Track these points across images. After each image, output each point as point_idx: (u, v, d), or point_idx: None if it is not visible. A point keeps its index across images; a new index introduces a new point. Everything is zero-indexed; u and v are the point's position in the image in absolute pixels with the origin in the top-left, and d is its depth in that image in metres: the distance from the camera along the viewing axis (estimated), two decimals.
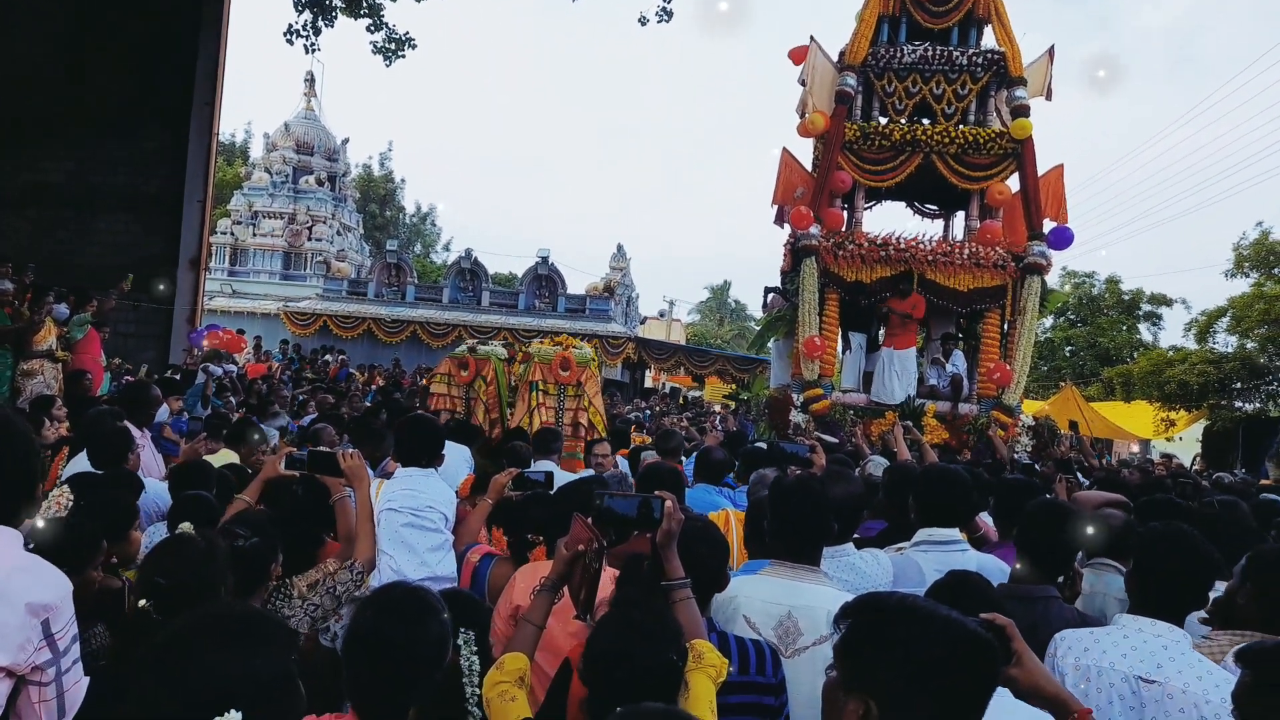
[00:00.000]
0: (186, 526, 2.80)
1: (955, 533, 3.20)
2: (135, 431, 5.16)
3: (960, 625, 1.37)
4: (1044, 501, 3.18)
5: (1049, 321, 31.48)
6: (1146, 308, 31.57)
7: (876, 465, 5.61)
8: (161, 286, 12.26)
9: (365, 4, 13.28)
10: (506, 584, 2.82)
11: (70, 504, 2.67)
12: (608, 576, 2.40)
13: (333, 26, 13.42)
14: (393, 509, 3.50)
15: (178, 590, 2.10)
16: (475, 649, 2.33)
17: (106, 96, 13.98)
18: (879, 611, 1.41)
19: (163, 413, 7.30)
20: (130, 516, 3.04)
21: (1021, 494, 3.63)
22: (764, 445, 6.05)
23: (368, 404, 11.08)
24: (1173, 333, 45.43)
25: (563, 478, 4.73)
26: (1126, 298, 31.68)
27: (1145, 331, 31.75)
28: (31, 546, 2.44)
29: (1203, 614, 2.68)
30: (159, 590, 2.09)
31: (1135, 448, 25.15)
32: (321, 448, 3.67)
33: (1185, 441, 22.04)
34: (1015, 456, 9.27)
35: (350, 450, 3.35)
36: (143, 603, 2.06)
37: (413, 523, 3.46)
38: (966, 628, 1.37)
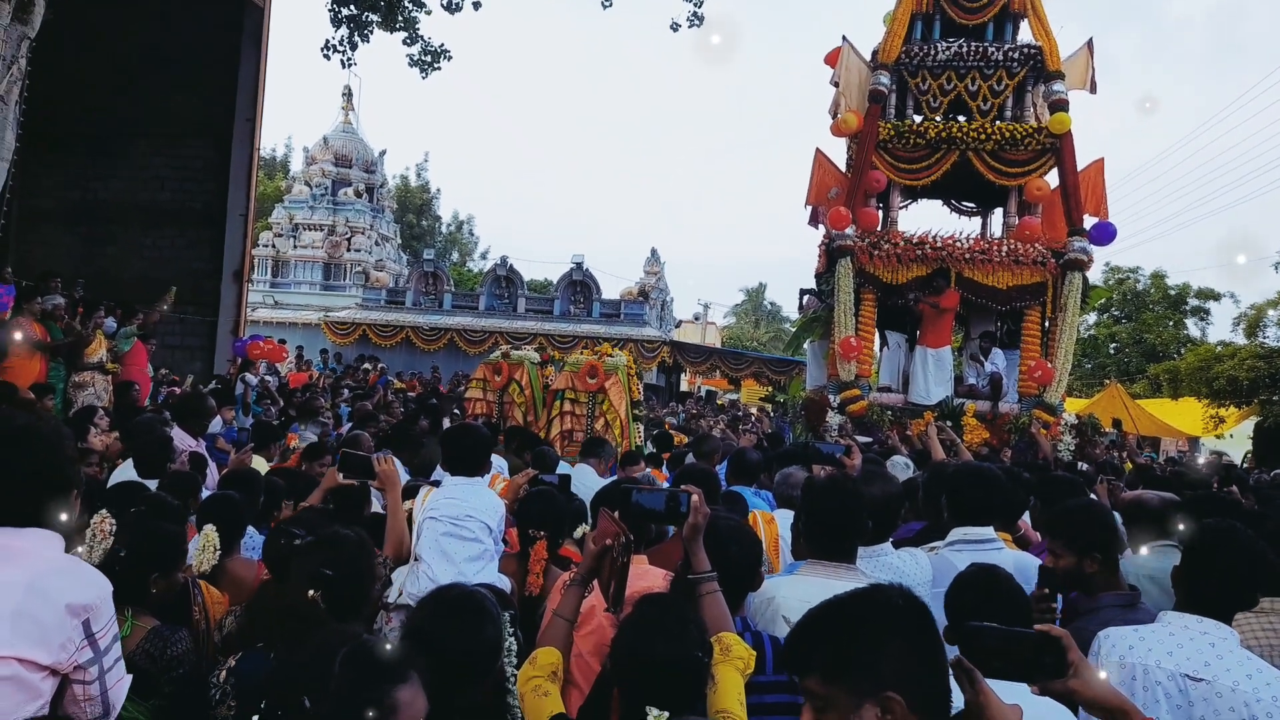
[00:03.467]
0: (209, 529, 2.89)
1: (990, 531, 3.15)
2: (190, 440, 5.28)
3: (893, 587, 1.41)
4: (1081, 501, 3.10)
5: (1092, 318, 30.92)
6: (1193, 302, 30.85)
7: (895, 465, 5.54)
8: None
9: (401, 18, 13.43)
10: (554, 590, 2.84)
11: (113, 529, 2.76)
12: (659, 576, 2.42)
13: (369, 41, 13.60)
14: (434, 517, 3.49)
15: (343, 580, 2.21)
16: (513, 630, 2.38)
17: (152, 114, 14.34)
18: (833, 620, 1.39)
19: (216, 424, 7.46)
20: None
21: (1066, 491, 3.56)
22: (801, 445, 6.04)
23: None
24: (1221, 327, 44.32)
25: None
26: (1172, 292, 31.00)
27: (1192, 327, 31.04)
28: (124, 553, 2.53)
29: None
30: (327, 581, 2.19)
31: (1184, 445, 24.61)
32: (353, 450, 3.71)
33: (1236, 439, 21.53)
34: (1059, 456, 9.12)
35: (385, 455, 3.41)
36: (311, 593, 2.16)
37: (451, 532, 3.45)
38: (900, 588, 1.41)
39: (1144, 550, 3.37)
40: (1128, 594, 2.84)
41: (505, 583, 3.40)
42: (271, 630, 2.27)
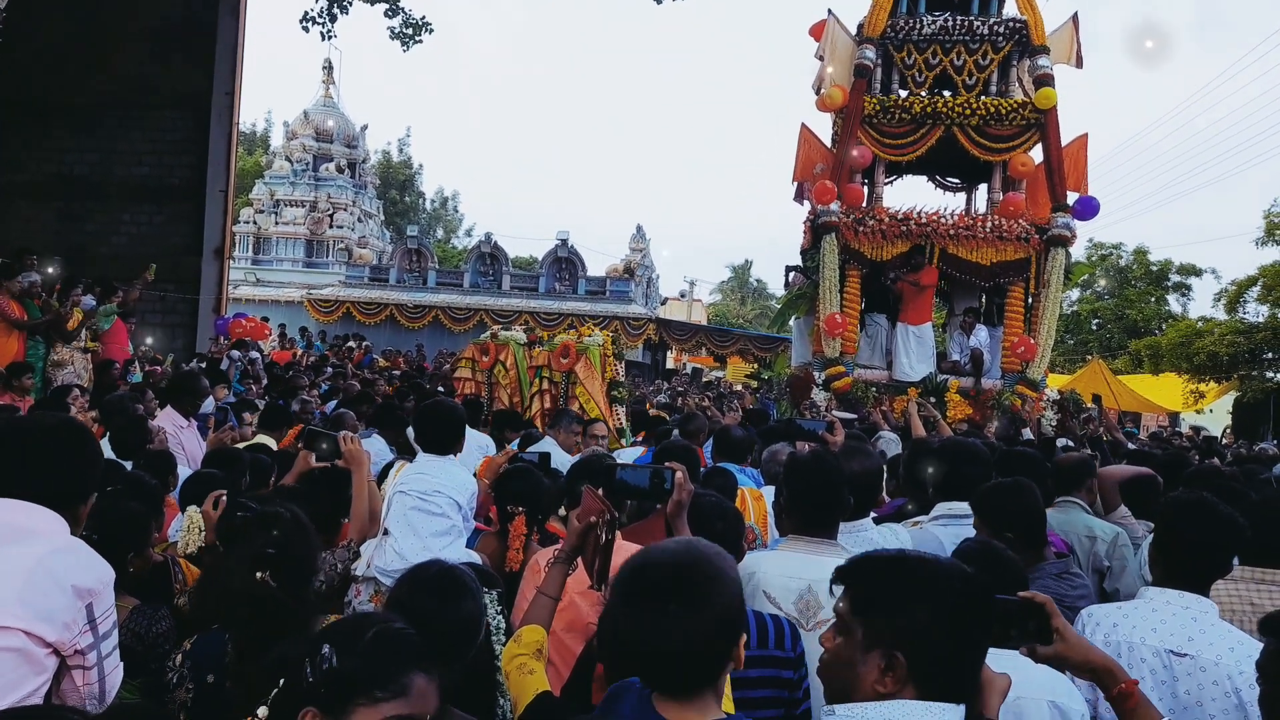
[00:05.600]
0: (193, 510, 2.88)
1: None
2: (181, 420, 5.23)
3: (959, 567, 1.46)
4: (1001, 483, 3.03)
5: (1075, 294, 31.11)
6: (1175, 278, 31.09)
7: (888, 442, 5.58)
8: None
9: None
10: (528, 567, 2.84)
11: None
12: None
13: (347, 13, 13.42)
14: (403, 492, 3.52)
15: (288, 560, 2.20)
16: (500, 608, 2.37)
17: (129, 87, 14.09)
18: (887, 566, 1.45)
19: (209, 404, 7.37)
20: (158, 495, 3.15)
21: (1023, 467, 3.56)
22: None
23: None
24: (1202, 303, 44.72)
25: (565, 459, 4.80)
26: (1155, 269, 31.20)
27: (1174, 303, 31.32)
28: (97, 538, 2.52)
29: None
30: (271, 560, 2.17)
31: (1164, 420, 24.86)
32: (320, 429, 3.68)
33: (1216, 413, 21.77)
34: (1043, 432, 9.18)
35: (349, 434, 3.40)
36: (259, 575, 2.15)
37: (419, 507, 3.48)
38: (965, 570, 1.46)
39: (1053, 511, 3.51)
40: (1060, 563, 2.98)
41: (477, 560, 3.41)
42: (224, 611, 2.25)
